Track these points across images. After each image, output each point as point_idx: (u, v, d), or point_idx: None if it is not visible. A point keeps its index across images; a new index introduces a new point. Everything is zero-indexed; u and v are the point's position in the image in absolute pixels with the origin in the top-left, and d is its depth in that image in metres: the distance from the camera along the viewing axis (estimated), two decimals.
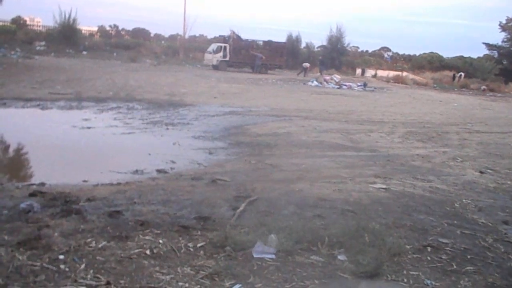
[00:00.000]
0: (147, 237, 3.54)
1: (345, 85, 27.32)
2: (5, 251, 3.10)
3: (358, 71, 42.82)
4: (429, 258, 3.64)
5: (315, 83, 26.79)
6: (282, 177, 5.88)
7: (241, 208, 4.37)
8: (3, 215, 3.78)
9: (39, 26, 48.78)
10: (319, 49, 47.38)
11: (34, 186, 4.83)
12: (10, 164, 6.64)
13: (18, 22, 46.50)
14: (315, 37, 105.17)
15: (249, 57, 34.76)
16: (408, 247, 3.78)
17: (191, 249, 3.42)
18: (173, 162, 6.51)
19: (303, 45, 45.91)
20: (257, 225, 3.91)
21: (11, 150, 7.22)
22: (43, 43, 38.15)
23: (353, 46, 53.38)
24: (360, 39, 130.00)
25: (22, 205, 3.97)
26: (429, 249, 3.81)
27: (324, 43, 46.07)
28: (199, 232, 3.74)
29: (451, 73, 40.74)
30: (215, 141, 8.35)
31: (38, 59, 26.93)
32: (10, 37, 38.68)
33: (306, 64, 34.94)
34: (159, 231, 3.67)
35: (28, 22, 50.07)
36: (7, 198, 4.28)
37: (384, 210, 4.76)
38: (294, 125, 10.75)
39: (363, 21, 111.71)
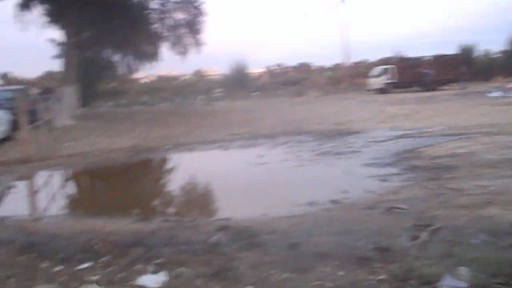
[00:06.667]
0: (326, 269, 3.56)
1: None
2: (202, 282, 3.45)
3: None
4: None
5: (495, 93, 24.02)
6: (467, 202, 5.34)
7: (423, 238, 4.09)
8: (198, 249, 4.22)
9: (216, 75, 54.62)
10: (498, 55, 42.54)
11: (221, 221, 5.29)
12: (200, 200, 7.44)
13: (199, 74, 52.95)
14: (491, 42, 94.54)
15: (417, 75, 33.08)
16: None
17: (372, 282, 3.32)
18: (346, 191, 6.48)
19: (478, 53, 41.81)
20: (443, 256, 3.61)
21: (200, 188, 8.11)
22: (220, 89, 42.53)
23: None
24: None
25: (213, 239, 4.39)
26: None
27: (505, 47, 41.11)
28: (379, 264, 3.62)
29: None
30: (387, 167, 8.07)
31: (217, 105, 30.01)
32: (193, 87, 44.23)
33: None
34: (337, 263, 3.66)
35: (207, 73, 56.56)
36: (200, 233, 4.76)
37: None
38: (476, 143, 9.74)
39: None
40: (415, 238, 4.14)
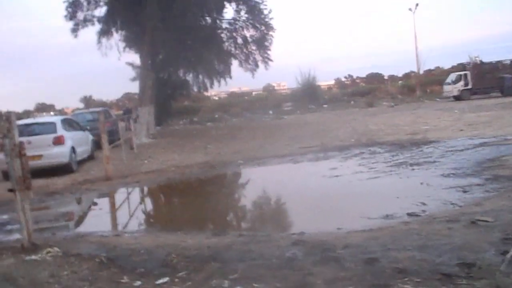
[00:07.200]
0: (406, 286, 3.41)
1: None
2: None
3: None
4: None
5: None
6: None
7: (511, 253, 3.80)
8: (273, 264, 4.22)
9: (285, 89, 55.12)
10: None
11: (295, 236, 5.25)
12: (273, 214, 7.45)
13: (268, 89, 53.80)
14: None
15: (496, 80, 31.18)
16: None
17: None
18: (424, 204, 6.20)
19: None
20: None
21: (272, 202, 8.14)
22: (289, 103, 42.72)
23: None
24: None
25: (288, 254, 4.36)
26: None
27: None
28: (464, 281, 3.40)
29: None
30: (468, 177, 7.62)
31: (287, 119, 30.12)
32: (263, 102, 44.91)
33: None
34: (419, 280, 3.49)
35: (276, 88, 57.39)
36: (275, 247, 4.76)
37: None
38: None
39: None
40: (503, 252, 3.85)
